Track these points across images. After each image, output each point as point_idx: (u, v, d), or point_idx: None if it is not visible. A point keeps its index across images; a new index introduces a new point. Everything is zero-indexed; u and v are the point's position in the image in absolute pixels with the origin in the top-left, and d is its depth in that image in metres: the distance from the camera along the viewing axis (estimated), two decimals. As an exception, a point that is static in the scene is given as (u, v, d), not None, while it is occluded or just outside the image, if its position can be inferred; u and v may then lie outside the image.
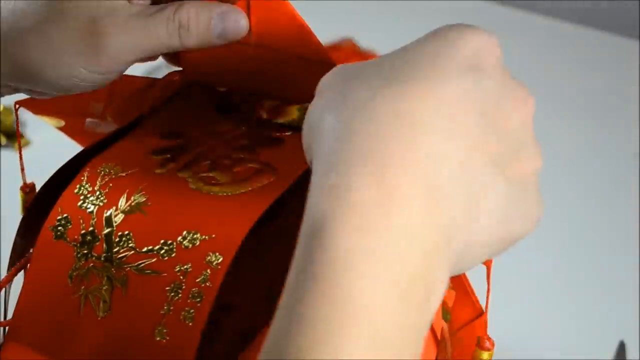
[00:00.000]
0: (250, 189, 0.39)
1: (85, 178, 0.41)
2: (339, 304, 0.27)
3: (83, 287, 0.38)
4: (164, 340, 0.36)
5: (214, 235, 0.37)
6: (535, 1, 1.44)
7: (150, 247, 0.38)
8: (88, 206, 0.40)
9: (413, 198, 0.29)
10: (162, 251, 0.37)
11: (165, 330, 0.36)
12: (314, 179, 0.30)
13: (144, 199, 0.39)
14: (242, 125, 0.44)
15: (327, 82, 0.33)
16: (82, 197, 0.40)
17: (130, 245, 0.38)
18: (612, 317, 0.81)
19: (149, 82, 0.47)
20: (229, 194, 0.39)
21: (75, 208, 0.40)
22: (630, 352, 0.77)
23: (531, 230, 0.34)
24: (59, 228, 0.39)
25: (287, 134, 0.43)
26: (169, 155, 0.42)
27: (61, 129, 0.52)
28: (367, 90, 0.31)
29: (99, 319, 0.38)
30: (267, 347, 0.29)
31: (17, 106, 0.47)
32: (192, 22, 0.41)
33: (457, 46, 0.32)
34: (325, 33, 1.27)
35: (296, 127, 0.43)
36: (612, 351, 0.77)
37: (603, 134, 1.12)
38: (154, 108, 0.45)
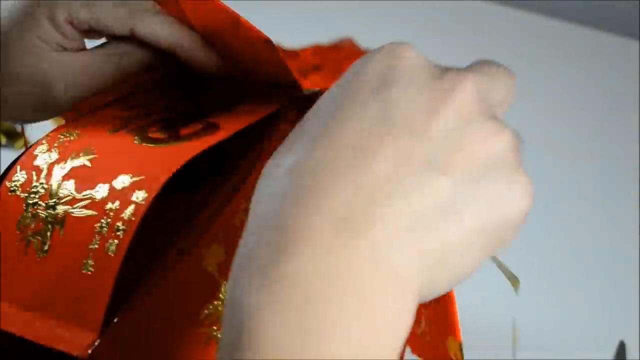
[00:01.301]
0: (189, 141, 0.42)
1: (46, 140, 0.44)
2: None
3: (29, 232, 0.41)
4: (89, 273, 0.39)
5: (143, 177, 0.40)
6: (535, 1, 1.44)
7: (87, 192, 0.41)
8: (41, 163, 0.42)
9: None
10: (97, 193, 0.40)
11: (91, 263, 0.39)
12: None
13: (92, 152, 0.42)
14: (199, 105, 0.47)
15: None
16: (38, 155, 0.43)
17: (71, 191, 0.41)
18: (612, 317, 0.81)
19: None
20: (169, 145, 0.42)
21: (31, 165, 0.43)
22: (630, 352, 0.77)
23: (525, 206, 0.34)
24: (14, 183, 0.42)
25: (240, 102, 0.46)
26: (122, 121, 0.45)
27: None
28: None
29: (38, 259, 0.40)
30: None
31: None
32: None
33: (360, 75, 0.32)
34: (325, 33, 1.28)
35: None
36: (612, 351, 0.77)
37: (603, 134, 1.12)
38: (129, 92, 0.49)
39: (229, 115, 0.45)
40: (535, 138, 1.09)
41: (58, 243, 0.40)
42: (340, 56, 1.18)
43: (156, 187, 0.39)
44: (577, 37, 1.35)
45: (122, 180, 0.40)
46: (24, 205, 0.41)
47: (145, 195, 0.39)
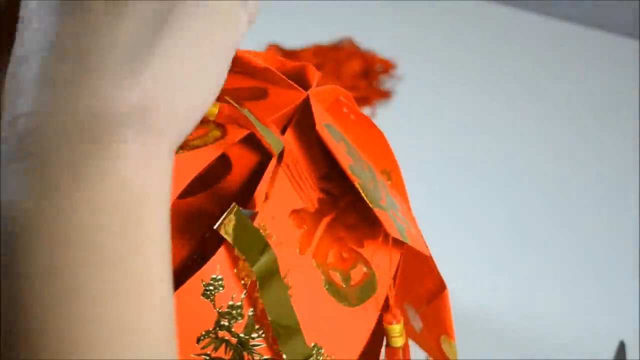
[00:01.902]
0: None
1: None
2: None
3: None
4: None
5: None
6: (536, 1, 1.44)
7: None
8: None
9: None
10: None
11: None
12: None
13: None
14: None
15: None
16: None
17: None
18: (612, 317, 0.81)
19: None
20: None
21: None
22: (630, 352, 0.77)
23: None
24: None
25: (249, 102, 0.43)
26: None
27: None
28: None
29: None
30: None
31: None
32: None
33: None
34: (325, 33, 1.28)
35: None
36: (612, 351, 0.77)
37: (603, 134, 1.12)
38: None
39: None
40: (535, 138, 1.09)
41: None
42: (340, 56, 1.18)
43: None
44: (577, 37, 1.35)
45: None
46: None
47: None
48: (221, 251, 0.38)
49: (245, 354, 0.38)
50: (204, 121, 0.40)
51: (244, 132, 0.40)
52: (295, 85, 0.43)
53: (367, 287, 0.43)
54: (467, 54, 1.28)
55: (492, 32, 1.35)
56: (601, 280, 0.86)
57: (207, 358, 0.38)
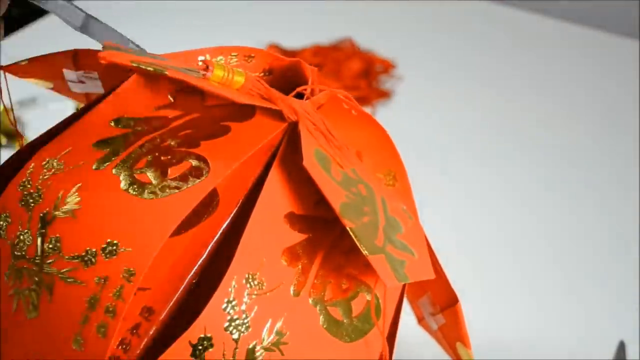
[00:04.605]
0: (176, 191, 0.39)
1: (29, 172, 0.41)
2: None
3: (16, 287, 0.39)
4: (79, 351, 0.37)
5: (130, 249, 0.38)
6: (536, 1, 1.44)
7: (75, 254, 0.38)
8: (26, 204, 0.40)
9: None
10: (86, 259, 0.38)
11: (81, 341, 0.37)
12: None
13: (77, 200, 0.39)
14: (193, 111, 0.43)
15: None
16: (23, 194, 0.40)
17: (58, 250, 0.39)
18: (612, 317, 0.81)
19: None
20: (155, 197, 0.39)
21: (16, 205, 0.40)
22: (630, 352, 0.77)
23: None
24: (1, 223, 0.40)
25: (235, 123, 0.42)
26: (109, 150, 0.41)
27: (52, 89, 0.52)
28: None
29: (28, 319, 0.39)
30: None
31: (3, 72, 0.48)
32: None
33: None
34: (325, 33, 1.28)
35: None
36: (612, 351, 0.77)
37: (603, 134, 1.12)
38: (112, 87, 0.45)
39: (219, 145, 0.41)
40: (535, 138, 1.09)
41: (47, 308, 0.38)
42: (340, 56, 1.18)
43: (146, 263, 0.37)
44: (577, 37, 1.35)
45: (110, 249, 0.38)
46: (12, 256, 0.40)
47: (135, 275, 0.37)
48: None
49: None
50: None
51: (232, 165, 0.40)
52: (283, 110, 0.42)
53: (369, 316, 0.42)
54: (467, 54, 1.28)
55: (492, 32, 1.35)
56: (601, 281, 0.86)
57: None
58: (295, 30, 1.23)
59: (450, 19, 1.38)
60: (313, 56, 1.17)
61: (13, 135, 0.94)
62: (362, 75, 1.15)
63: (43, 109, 1.00)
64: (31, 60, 0.47)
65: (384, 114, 1.08)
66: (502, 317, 0.80)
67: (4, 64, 0.49)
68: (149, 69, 0.41)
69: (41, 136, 0.44)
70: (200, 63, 0.46)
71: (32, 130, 0.95)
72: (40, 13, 1.23)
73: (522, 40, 1.34)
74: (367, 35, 1.23)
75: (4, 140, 0.94)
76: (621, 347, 0.76)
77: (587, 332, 0.79)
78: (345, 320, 0.41)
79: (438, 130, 1.08)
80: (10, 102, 0.49)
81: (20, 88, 0.51)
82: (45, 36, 1.09)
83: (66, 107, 0.99)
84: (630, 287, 0.85)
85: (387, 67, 1.19)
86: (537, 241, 0.91)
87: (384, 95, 1.13)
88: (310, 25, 1.26)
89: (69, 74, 0.48)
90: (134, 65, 0.41)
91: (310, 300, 0.40)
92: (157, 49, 0.47)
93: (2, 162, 0.43)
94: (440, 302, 0.50)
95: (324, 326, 0.40)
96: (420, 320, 0.54)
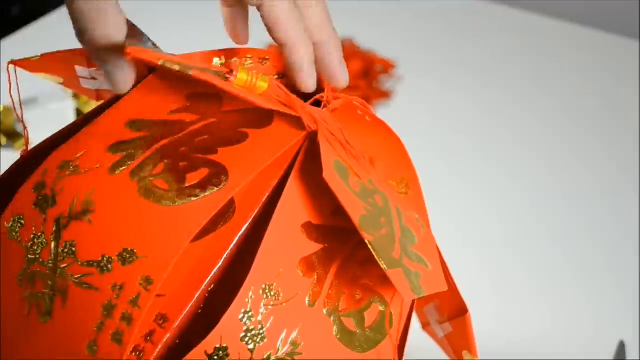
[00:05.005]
0: (194, 199, 0.39)
1: (42, 175, 0.41)
2: None
3: (29, 290, 0.39)
4: (93, 357, 0.37)
5: (148, 257, 0.37)
6: (536, 1, 1.44)
7: (90, 260, 0.38)
8: (40, 206, 0.40)
9: None
10: (102, 265, 0.38)
11: (95, 347, 0.37)
12: None
13: (92, 205, 0.39)
14: (209, 116, 0.42)
15: None
16: (37, 196, 0.40)
17: (73, 255, 0.38)
18: (612, 317, 0.81)
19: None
20: (172, 204, 0.38)
21: (30, 207, 0.40)
22: (630, 352, 0.77)
23: None
24: (13, 226, 0.40)
25: (253, 129, 0.42)
26: (124, 154, 0.41)
27: (62, 84, 0.51)
28: None
29: (41, 323, 0.38)
30: None
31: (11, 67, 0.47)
32: None
33: None
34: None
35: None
36: (612, 351, 0.77)
37: (602, 134, 1.12)
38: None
39: (237, 152, 0.40)
40: (535, 138, 1.09)
41: (61, 314, 0.38)
42: (340, 56, 1.18)
43: (163, 272, 0.37)
44: (577, 37, 1.35)
45: (126, 256, 0.37)
46: (25, 259, 0.39)
47: (152, 283, 0.36)
48: None
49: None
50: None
51: (251, 174, 0.40)
52: (303, 118, 0.42)
53: (381, 327, 0.42)
54: (467, 54, 1.28)
55: (492, 32, 1.35)
56: (601, 281, 0.86)
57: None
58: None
59: (450, 19, 1.37)
60: (313, 56, 1.17)
61: (13, 135, 0.94)
62: (362, 75, 1.15)
63: (43, 109, 1.00)
64: (43, 55, 0.46)
65: (384, 114, 1.08)
66: (501, 317, 0.80)
67: (4, 64, 0.48)
68: (174, 67, 0.40)
69: (54, 135, 0.43)
70: (219, 65, 0.46)
71: (33, 130, 0.94)
72: (40, 13, 1.23)
73: (522, 40, 1.34)
74: (367, 35, 1.23)
75: (4, 140, 0.94)
76: (621, 347, 0.76)
77: (587, 332, 0.79)
78: (358, 331, 0.41)
79: (438, 131, 1.08)
80: (20, 98, 0.49)
81: (21, 88, 0.51)
82: (46, 36, 1.09)
83: (66, 107, 0.99)
84: (630, 287, 0.85)
85: (387, 67, 1.19)
86: (536, 241, 0.91)
87: (384, 95, 1.13)
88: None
89: (82, 70, 0.47)
90: (160, 63, 0.40)
91: (324, 311, 0.40)
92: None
93: (2, 162, 0.43)
94: (448, 311, 0.49)
95: (338, 336, 0.40)
96: (425, 326, 0.54)
